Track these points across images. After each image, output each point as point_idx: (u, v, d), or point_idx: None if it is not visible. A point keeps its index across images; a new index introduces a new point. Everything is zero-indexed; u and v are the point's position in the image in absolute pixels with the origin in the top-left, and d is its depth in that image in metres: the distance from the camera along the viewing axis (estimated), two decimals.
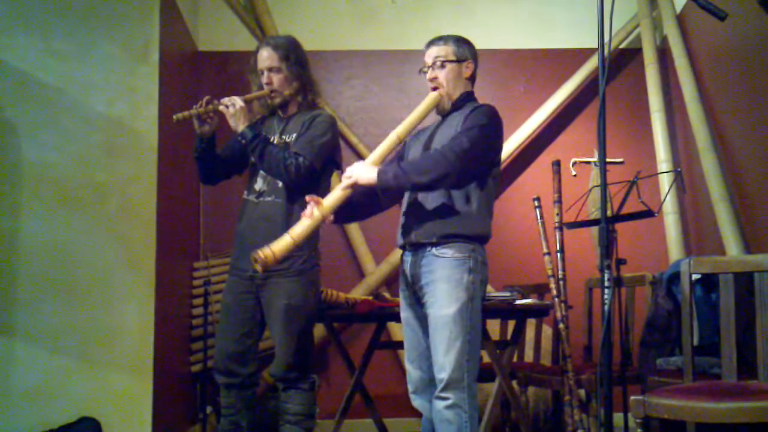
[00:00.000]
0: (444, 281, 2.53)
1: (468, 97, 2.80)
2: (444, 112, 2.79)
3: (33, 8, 3.75)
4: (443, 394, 2.49)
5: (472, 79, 2.84)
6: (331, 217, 2.57)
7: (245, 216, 3.11)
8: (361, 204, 2.76)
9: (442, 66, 2.75)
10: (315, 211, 2.48)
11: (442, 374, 2.48)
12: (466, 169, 2.52)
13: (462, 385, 2.49)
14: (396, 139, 2.64)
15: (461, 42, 2.80)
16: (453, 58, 2.76)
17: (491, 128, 2.62)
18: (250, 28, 5.01)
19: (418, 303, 2.65)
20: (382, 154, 2.62)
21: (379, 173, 2.51)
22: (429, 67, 2.77)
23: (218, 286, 4.37)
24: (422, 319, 2.63)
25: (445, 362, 2.48)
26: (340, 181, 2.59)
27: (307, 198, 2.55)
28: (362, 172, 2.52)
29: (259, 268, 2.37)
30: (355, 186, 2.54)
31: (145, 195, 3.73)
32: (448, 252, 2.56)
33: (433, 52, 2.77)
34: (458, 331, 2.49)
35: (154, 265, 3.70)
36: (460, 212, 2.58)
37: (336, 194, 2.53)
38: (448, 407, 2.48)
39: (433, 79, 2.75)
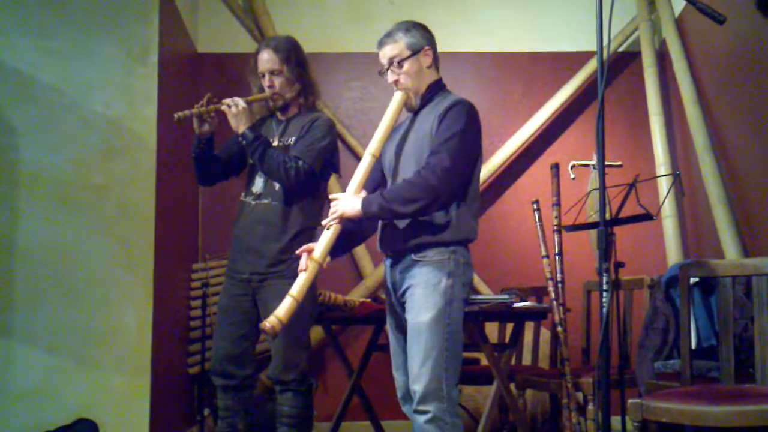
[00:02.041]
0: (421, 286, 2.45)
1: (436, 87, 2.66)
2: (414, 109, 2.66)
3: (31, 8, 3.75)
4: (421, 407, 2.38)
5: (434, 64, 2.66)
6: (328, 259, 2.49)
7: (242, 218, 3.11)
8: (354, 233, 2.67)
9: (400, 66, 2.60)
10: (309, 262, 2.42)
11: (417, 386, 2.39)
12: (452, 186, 2.44)
13: (441, 395, 2.38)
14: (371, 159, 2.56)
15: (411, 30, 2.62)
16: (408, 53, 2.59)
17: (469, 133, 2.50)
18: (249, 30, 5.01)
19: (400, 309, 2.58)
20: (362, 179, 2.54)
21: (364, 205, 2.44)
22: (387, 69, 2.63)
23: (216, 288, 4.36)
24: (404, 327, 2.55)
25: (420, 373, 2.39)
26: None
27: (298, 251, 2.49)
28: (347, 205, 2.46)
29: (269, 337, 2.36)
30: (341, 221, 2.47)
31: (144, 196, 3.73)
32: (427, 255, 2.48)
33: (387, 52, 2.62)
34: (434, 339, 2.39)
35: (153, 266, 3.70)
36: (439, 223, 2.49)
37: (326, 237, 2.47)
38: (429, 421, 2.37)
39: (395, 82, 2.62)
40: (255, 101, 3.13)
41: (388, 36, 2.63)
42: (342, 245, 2.65)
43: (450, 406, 2.39)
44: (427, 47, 2.63)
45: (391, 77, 2.63)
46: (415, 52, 2.60)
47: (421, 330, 2.41)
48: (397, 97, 2.62)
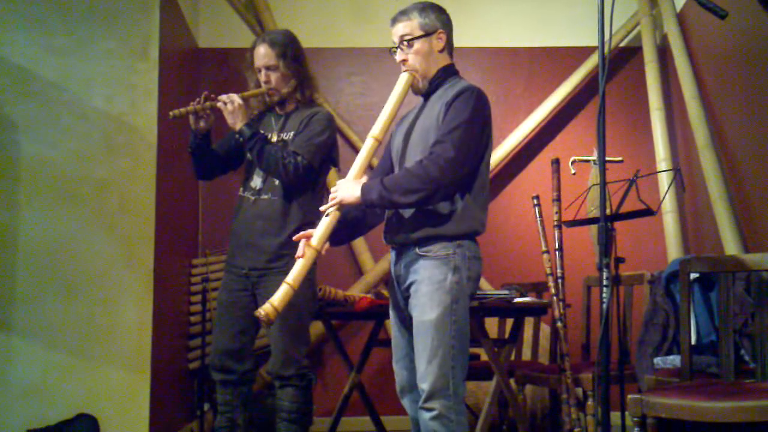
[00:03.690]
0: (425, 283, 2.40)
1: (447, 72, 2.58)
2: (421, 92, 2.58)
3: (32, 4, 3.75)
4: (428, 405, 2.36)
5: (448, 49, 2.59)
6: (327, 246, 2.44)
7: (241, 213, 3.10)
8: (359, 221, 2.62)
9: (410, 45, 2.52)
10: (307, 249, 2.39)
11: (424, 384, 2.36)
12: (455, 179, 2.36)
13: (447, 393, 2.35)
14: (374, 142, 2.49)
15: (427, 11, 2.54)
16: (420, 33, 2.51)
17: (476, 122, 2.41)
18: (250, 24, 5.00)
19: (403, 303, 2.54)
20: (364, 164, 2.48)
21: (363, 191, 2.38)
22: (398, 47, 2.55)
23: (216, 284, 4.36)
24: (407, 320, 2.53)
25: (427, 372, 2.36)
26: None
27: (295, 238, 2.46)
28: (346, 191, 2.41)
29: (264, 325, 2.32)
30: (341, 207, 2.43)
31: (144, 191, 3.73)
32: (431, 249, 2.41)
33: (399, 30, 2.54)
34: (441, 338, 2.35)
35: (153, 261, 3.70)
36: (443, 214, 2.43)
37: (324, 223, 2.41)
38: (434, 418, 2.35)
39: (404, 62, 2.54)
40: (251, 97, 3.12)
41: (403, 13, 2.56)
42: (346, 233, 2.61)
43: (456, 404, 2.37)
44: (440, 30, 2.55)
45: (399, 56, 2.56)
46: (427, 33, 2.53)
47: (427, 328, 2.38)
48: (403, 78, 2.54)
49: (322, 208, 2.46)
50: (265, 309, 2.27)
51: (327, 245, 2.45)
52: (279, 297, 2.30)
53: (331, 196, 2.44)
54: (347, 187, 2.42)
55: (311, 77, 3.18)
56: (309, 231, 2.44)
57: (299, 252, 2.41)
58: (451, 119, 2.42)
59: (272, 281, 2.96)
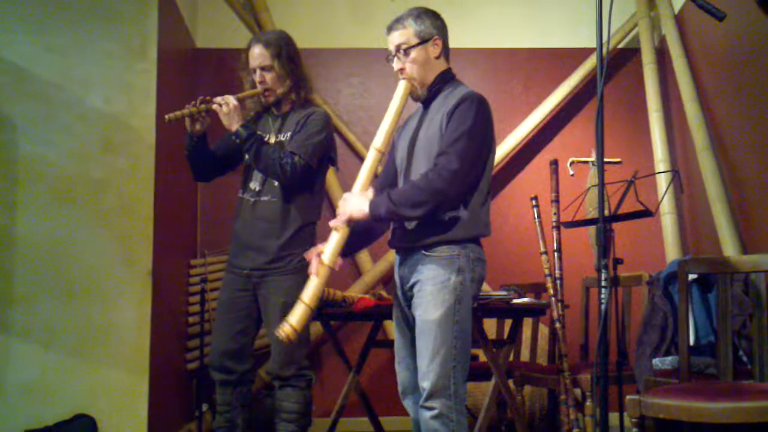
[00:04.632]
0: (429, 282, 2.43)
1: (445, 78, 2.59)
2: (420, 99, 2.61)
3: (31, 4, 3.74)
4: (428, 404, 2.38)
5: (444, 54, 2.60)
6: (340, 261, 2.45)
7: (241, 215, 3.10)
8: (369, 230, 2.65)
9: (406, 54, 2.54)
10: (320, 267, 2.39)
11: (426, 383, 2.38)
12: (460, 189, 2.40)
13: (448, 392, 2.37)
14: (377, 154, 2.51)
15: (422, 17, 2.55)
16: (416, 41, 2.53)
17: (478, 129, 2.44)
18: (249, 25, 5.00)
19: (407, 304, 2.56)
20: (369, 176, 2.49)
21: (371, 206, 2.41)
22: (394, 56, 2.57)
23: (215, 284, 4.37)
24: (409, 322, 2.55)
25: (429, 371, 2.38)
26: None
27: (306, 256, 2.47)
28: (354, 206, 2.42)
29: (284, 343, 2.34)
30: (350, 223, 2.44)
31: (142, 192, 3.73)
32: (437, 250, 2.45)
33: (395, 39, 2.55)
34: (443, 337, 2.38)
35: (151, 262, 3.69)
36: (449, 221, 2.46)
37: (334, 240, 2.43)
38: (434, 417, 2.37)
39: (401, 70, 2.56)
40: (247, 98, 3.12)
41: (398, 21, 2.56)
42: (354, 244, 2.62)
43: (457, 404, 2.39)
44: (436, 37, 2.56)
45: (396, 65, 2.57)
46: (423, 40, 2.54)
47: (429, 327, 2.40)
48: (402, 87, 2.55)
49: (331, 224, 2.47)
50: (285, 330, 2.28)
51: (340, 261, 2.45)
52: (297, 317, 2.31)
53: (339, 212, 2.46)
54: (355, 203, 2.43)
55: (307, 77, 3.17)
56: (320, 247, 2.45)
57: (312, 269, 2.40)
58: (454, 129, 2.43)
59: (273, 282, 2.97)
